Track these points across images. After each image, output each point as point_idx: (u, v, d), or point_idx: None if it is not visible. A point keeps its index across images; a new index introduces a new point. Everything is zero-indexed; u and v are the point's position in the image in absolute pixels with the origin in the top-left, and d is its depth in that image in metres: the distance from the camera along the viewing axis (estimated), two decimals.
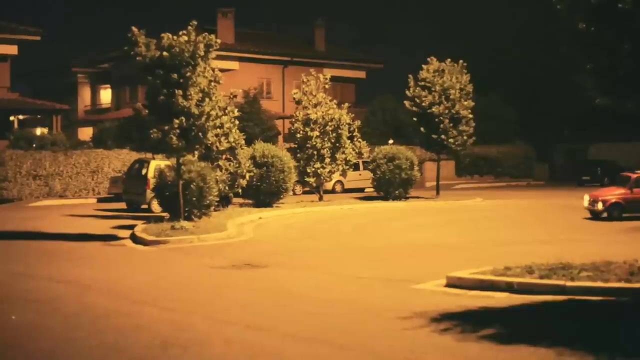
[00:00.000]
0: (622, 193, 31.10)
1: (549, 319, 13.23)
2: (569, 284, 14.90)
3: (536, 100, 74.77)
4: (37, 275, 17.59)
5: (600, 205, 30.95)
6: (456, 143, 42.50)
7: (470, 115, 42.64)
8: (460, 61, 43.04)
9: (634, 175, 31.66)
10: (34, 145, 46.76)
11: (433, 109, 41.62)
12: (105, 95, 72.67)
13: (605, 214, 30.80)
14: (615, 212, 30.77)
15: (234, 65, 64.44)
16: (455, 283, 16.08)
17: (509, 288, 15.32)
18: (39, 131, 53.43)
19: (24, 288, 15.88)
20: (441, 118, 41.68)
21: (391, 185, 40.91)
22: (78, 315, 13.46)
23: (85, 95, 73.61)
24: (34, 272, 18.14)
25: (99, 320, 12.98)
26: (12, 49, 56.97)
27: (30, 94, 64.37)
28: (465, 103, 42.38)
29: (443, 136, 41.94)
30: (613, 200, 30.88)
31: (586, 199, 32.05)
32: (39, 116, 61.09)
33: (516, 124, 69.36)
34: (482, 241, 24.45)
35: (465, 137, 42.70)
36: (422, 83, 42.31)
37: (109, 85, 71.62)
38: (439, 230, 28.30)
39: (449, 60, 42.93)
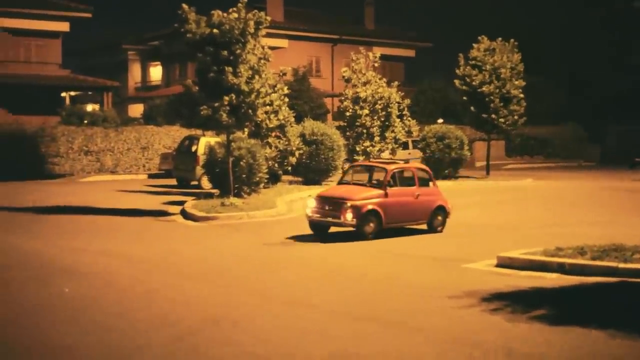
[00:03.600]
0: None
1: (600, 301, 13.10)
2: (622, 265, 14.72)
3: (588, 83, 73.84)
4: (90, 250, 17.78)
5: None
6: (506, 123, 42.16)
7: (521, 95, 42.25)
8: (512, 40, 42.63)
9: None
10: (86, 122, 47.15)
11: (483, 88, 41.31)
12: (155, 73, 73.05)
13: None
14: None
15: (283, 43, 64.40)
16: (505, 263, 15.98)
17: (561, 269, 15.18)
18: (90, 108, 53.91)
19: (76, 262, 16.05)
20: (491, 97, 41.36)
21: (441, 165, 40.71)
22: (130, 289, 13.60)
23: (135, 73, 74.07)
24: (87, 246, 18.33)
25: (151, 294, 13.09)
26: (64, 26, 57.45)
27: (81, 71, 64.91)
28: (516, 82, 42.00)
29: (493, 115, 41.64)
30: None
31: None
32: (90, 93, 61.63)
33: (567, 105, 68.60)
34: (532, 222, 24.26)
35: (515, 117, 42.34)
36: (473, 62, 41.99)
37: (159, 63, 71.96)
38: (489, 210, 28.13)
39: (499, 39, 42.53)
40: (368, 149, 38.23)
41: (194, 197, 28.08)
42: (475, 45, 42.39)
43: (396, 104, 38.95)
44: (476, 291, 13.39)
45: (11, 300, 12.43)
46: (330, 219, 20.57)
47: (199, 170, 33.06)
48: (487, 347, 10.14)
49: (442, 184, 38.95)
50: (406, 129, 39.87)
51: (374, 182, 22.18)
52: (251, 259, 17.11)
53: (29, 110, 52.42)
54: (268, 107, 29.27)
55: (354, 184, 22.03)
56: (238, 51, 25.14)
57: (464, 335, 10.71)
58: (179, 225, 23.01)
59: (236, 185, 26.96)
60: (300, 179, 35.89)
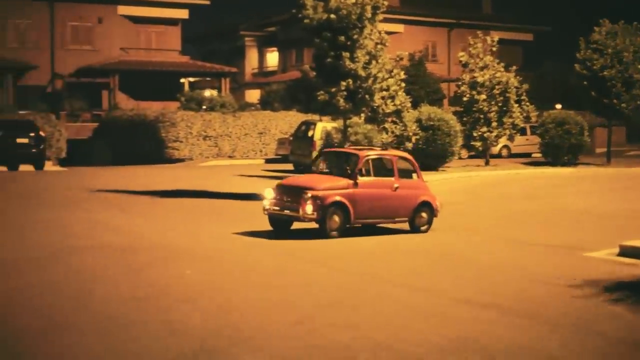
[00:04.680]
0: None
1: None
2: None
3: None
4: (208, 233, 18.08)
5: None
6: (629, 108, 41.12)
7: None
8: (634, 23, 41.48)
9: None
10: (204, 107, 47.99)
11: (604, 73, 40.37)
12: (272, 58, 73.71)
13: None
14: None
15: (399, 28, 64.17)
16: (629, 252, 15.60)
17: None
18: (208, 93, 54.78)
19: (196, 245, 16.35)
20: (613, 82, 40.37)
21: (560, 151, 40.03)
22: (249, 272, 13.79)
23: (252, 58, 74.90)
24: (205, 230, 18.64)
25: (269, 278, 13.25)
26: (183, 13, 58.53)
27: (199, 58, 66.03)
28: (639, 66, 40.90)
29: (615, 100, 40.65)
30: None
31: None
32: (208, 79, 62.63)
33: None
34: None
35: (638, 102, 41.23)
36: (594, 46, 41.06)
37: (275, 48, 72.58)
38: (610, 198, 27.48)
39: (622, 22, 41.45)
40: (485, 135, 37.88)
41: None
42: (596, 29, 41.43)
43: (514, 89, 38.48)
44: (597, 280, 13.13)
45: (139, 281, 12.76)
46: (287, 212, 17.82)
47: (315, 155, 33.24)
48: (610, 337, 9.94)
49: (560, 170, 38.48)
50: (524, 114, 39.34)
51: (345, 170, 18.74)
52: (368, 245, 17.15)
53: (149, 96, 53.70)
54: (385, 92, 29.24)
55: (321, 172, 19.26)
56: (355, 36, 25.17)
57: (586, 325, 10.53)
58: None
59: None
60: None
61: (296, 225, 18.21)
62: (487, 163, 39.40)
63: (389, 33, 28.52)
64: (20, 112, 45.16)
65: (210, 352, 8.98)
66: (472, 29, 55.04)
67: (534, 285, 13.09)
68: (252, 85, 71.09)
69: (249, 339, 9.54)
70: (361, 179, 18.03)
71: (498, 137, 38.89)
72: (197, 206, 23.30)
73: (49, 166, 39.02)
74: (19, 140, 36.58)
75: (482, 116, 37.93)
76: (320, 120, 35.79)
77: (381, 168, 18.98)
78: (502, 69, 38.63)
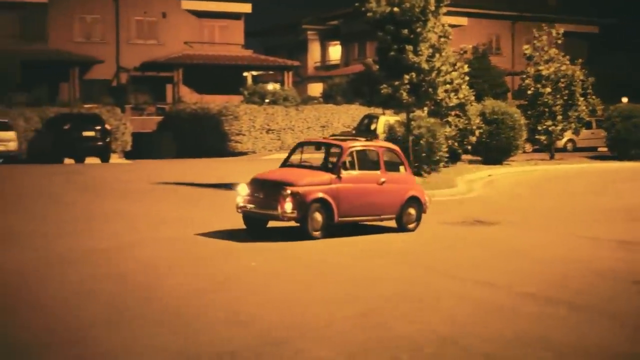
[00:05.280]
0: None
1: None
2: None
3: None
4: (274, 227, 18.14)
5: None
6: None
7: None
8: None
9: None
10: (267, 101, 48.20)
11: None
12: (334, 52, 73.70)
13: None
14: None
15: (462, 21, 63.69)
16: None
17: None
18: (271, 87, 55.04)
19: (261, 237, 16.42)
20: None
21: (626, 145, 39.42)
22: (314, 265, 13.83)
23: (314, 52, 74.94)
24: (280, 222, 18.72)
25: (334, 270, 13.28)
26: (247, 7, 58.77)
27: (262, 51, 66.28)
28: None
29: None
30: None
31: None
32: (271, 72, 62.87)
33: None
34: None
35: None
36: None
37: (338, 42, 72.55)
38: None
39: None
40: (550, 128, 37.49)
41: None
42: None
43: (580, 82, 37.97)
44: None
45: (205, 272, 12.88)
46: (264, 211, 16.24)
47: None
48: None
49: (627, 165, 37.90)
50: (590, 107, 38.82)
51: (327, 164, 17.22)
52: (432, 238, 17.08)
53: (212, 89, 54.07)
54: (448, 85, 29.01)
55: (300, 166, 17.36)
56: (419, 29, 25.05)
57: None
58: None
59: (416, 164, 26.93)
60: (479, 158, 35.52)
61: (272, 224, 16.87)
62: (551, 157, 39.00)
63: (452, 26, 28.27)
64: (86, 105, 45.79)
65: (276, 344, 9.03)
66: (537, 22, 54.36)
67: (599, 280, 12.94)
68: (315, 79, 71.18)
69: (314, 330, 9.58)
70: (345, 174, 16.50)
71: (563, 130, 38.45)
72: None
73: (114, 159, 39.54)
74: (85, 134, 37.12)
75: (546, 110, 37.53)
76: (383, 114, 35.74)
77: (366, 161, 17.50)
78: (568, 62, 38.17)
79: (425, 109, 28.78)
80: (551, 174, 33.18)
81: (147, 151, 44.38)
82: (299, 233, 16.04)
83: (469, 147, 33.24)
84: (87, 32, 53.70)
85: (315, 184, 16.16)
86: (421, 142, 27.21)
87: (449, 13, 27.25)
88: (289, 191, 15.69)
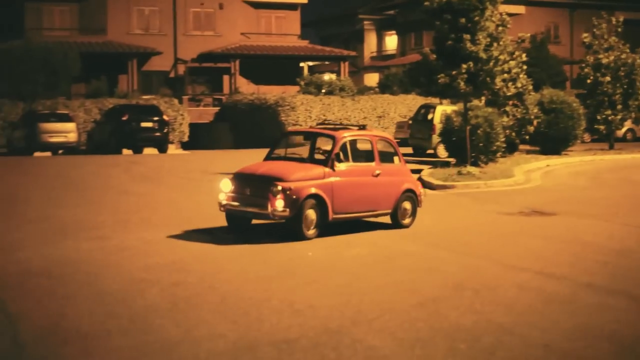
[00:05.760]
0: None
1: None
2: None
3: None
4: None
5: None
6: None
7: None
8: None
9: None
10: (323, 91, 48.23)
11: None
12: (391, 42, 73.49)
13: None
14: None
15: (520, 9, 63.08)
16: None
17: None
18: (327, 77, 55.07)
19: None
20: None
21: None
22: (369, 254, 13.82)
23: (371, 42, 74.80)
24: None
25: (392, 261, 13.25)
26: None
27: (318, 42, 66.36)
28: None
29: None
30: None
31: None
32: (327, 63, 62.87)
33: None
34: None
35: None
36: None
37: (394, 32, 72.34)
38: None
39: None
40: (609, 118, 37.02)
41: (430, 166, 28.14)
42: None
43: None
44: None
45: (265, 261, 12.96)
46: (251, 209, 14.89)
47: (435, 138, 33.18)
48: None
49: None
50: None
51: (318, 155, 15.95)
52: (491, 228, 16.96)
53: (269, 80, 54.30)
54: (506, 74, 28.76)
55: (287, 158, 16.05)
56: (476, 18, 24.92)
57: None
58: None
59: (473, 154, 26.80)
60: (537, 148, 35.19)
61: (256, 221, 15.82)
62: (611, 147, 38.49)
63: (510, 15, 28.01)
64: (145, 97, 46.28)
65: (333, 332, 9.04)
66: (596, 10, 53.70)
67: None
68: (371, 69, 71.06)
69: (372, 320, 9.58)
70: (339, 166, 15.23)
71: (623, 120, 37.94)
72: None
73: (172, 149, 39.93)
74: (143, 125, 37.49)
75: (606, 99, 37.04)
76: (440, 104, 35.57)
77: (359, 151, 16.25)
78: (628, 50, 37.63)
79: (483, 98, 28.59)
80: (611, 164, 32.73)
81: (203, 142, 44.67)
82: (290, 233, 14.76)
83: (527, 137, 32.93)
84: (145, 24, 54.20)
85: (307, 178, 14.82)
86: (478, 132, 27.03)
87: (506, 1, 27.06)
88: (279, 187, 14.35)
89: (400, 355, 8.28)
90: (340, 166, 15.26)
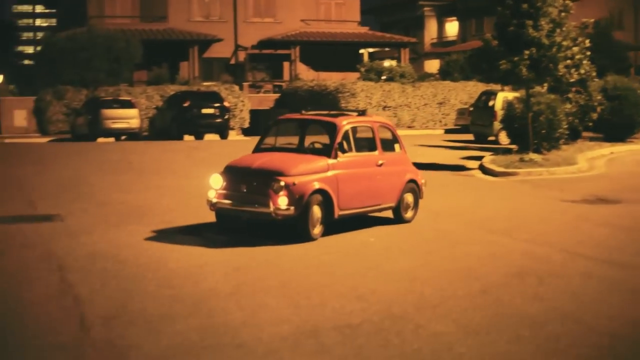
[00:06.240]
0: None
1: None
2: None
3: None
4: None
5: None
6: None
7: None
8: None
9: None
10: (383, 78, 48.08)
11: None
12: (451, 28, 73.02)
13: None
14: None
15: None
16: None
17: None
18: (387, 64, 54.85)
19: (379, 213, 16.42)
20: None
21: None
22: (432, 240, 13.78)
23: (431, 28, 74.40)
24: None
25: (454, 247, 13.19)
26: None
27: (378, 28, 66.16)
28: None
29: None
30: None
31: None
32: (387, 49, 62.65)
33: None
34: None
35: None
36: None
37: (454, 18, 71.85)
38: None
39: None
40: None
41: (491, 153, 27.92)
42: None
43: None
44: None
45: (323, 246, 12.99)
46: (248, 208, 13.28)
47: (497, 125, 32.92)
48: None
49: None
50: None
51: (316, 145, 14.65)
52: (554, 216, 16.80)
53: (329, 67, 54.26)
54: (569, 61, 28.36)
55: (283, 149, 14.62)
56: (538, 4, 24.59)
57: None
58: (478, 180, 22.99)
59: (535, 141, 26.50)
60: (601, 135, 34.70)
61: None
62: None
63: (573, 0, 27.63)
64: (205, 83, 46.57)
65: (396, 317, 9.05)
66: None
67: None
68: (431, 56, 70.66)
69: (435, 306, 9.56)
70: (342, 157, 13.83)
71: None
72: None
73: (232, 136, 40.12)
74: (204, 111, 37.74)
75: None
76: (502, 90, 35.24)
77: (360, 139, 14.71)
78: None
79: (545, 85, 28.22)
80: None
81: (264, 128, 44.76)
82: (294, 234, 13.30)
83: (590, 124, 32.44)
84: (206, 11, 54.47)
85: (310, 171, 13.37)
86: (540, 118, 26.72)
87: None
88: (282, 182, 12.91)
89: (463, 342, 8.26)
90: (344, 157, 13.86)
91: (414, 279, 10.87)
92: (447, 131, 43.38)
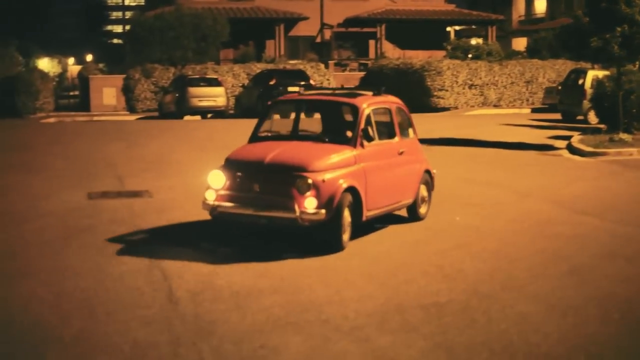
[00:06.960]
0: None
1: None
2: None
3: None
4: (478, 180, 18.01)
5: None
6: None
7: None
8: None
9: None
10: (470, 56, 47.63)
11: None
12: (540, 5, 71.86)
13: None
14: None
15: None
16: None
17: None
18: (474, 41, 54.31)
19: (466, 192, 16.32)
20: None
21: None
22: (518, 220, 13.61)
23: (519, 6, 73.35)
24: (474, 176, 18.57)
25: (539, 227, 13.01)
26: None
27: (465, 6, 65.45)
28: None
29: None
30: None
31: None
32: (474, 27, 62.01)
33: None
34: None
35: None
36: None
37: None
38: None
39: None
40: None
41: (580, 132, 27.46)
42: None
43: None
44: None
45: (408, 226, 12.97)
46: (264, 213, 10.68)
47: (586, 104, 32.37)
48: None
49: None
50: None
51: (325, 132, 12.58)
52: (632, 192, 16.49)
53: (415, 45, 54.00)
54: None
55: (296, 137, 12.11)
56: None
57: None
58: (565, 159, 22.63)
59: (626, 120, 25.98)
60: None
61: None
62: None
63: None
64: (291, 61, 46.73)
65: (482, 297, 8.99)
66: None
67: None
68: (519, 33, 69.68)
69: (522, 286, 9.46)
70: (368, 146, 11.55)
71: None
72: (464, 153, 23.19)
73: None
74: (290, 89, 37.77)
75: None
76: (592, 68, 34.62)
77: (380, 124, 12.23)
78: None
79: (637, 63, 27.63)
80: None
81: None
82: (320, 243, 10.98)
83: None
84: None
85: (338, 165, 10.95)
86: (632, 97, 26.16)
87: None
88: (309, 180, 10.50)
89: (551, 322, 8.15)
90: (369, 146, 11.59)
91: (501, 258, 10.77)
92: (534, 110, 42.81)
